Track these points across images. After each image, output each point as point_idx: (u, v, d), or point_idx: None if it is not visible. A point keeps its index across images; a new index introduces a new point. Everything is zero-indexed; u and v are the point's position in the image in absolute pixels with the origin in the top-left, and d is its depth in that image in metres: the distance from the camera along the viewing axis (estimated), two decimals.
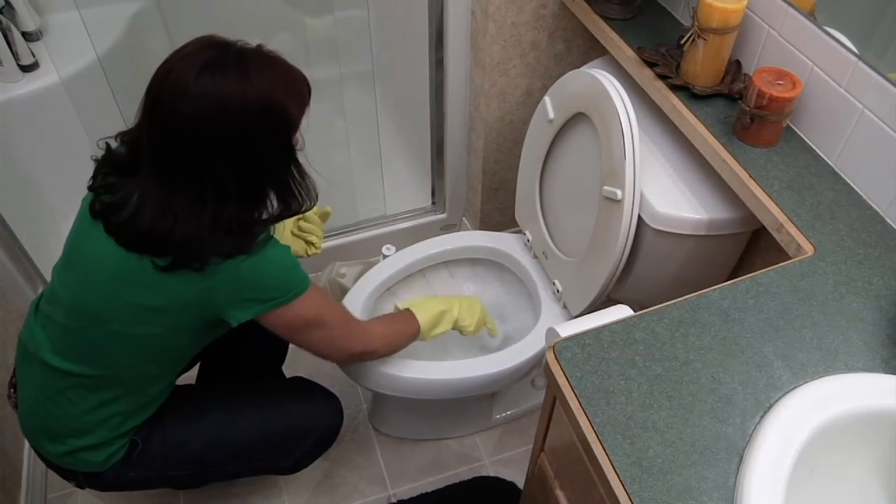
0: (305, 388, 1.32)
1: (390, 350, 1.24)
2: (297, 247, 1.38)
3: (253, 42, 0.97)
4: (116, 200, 0.96)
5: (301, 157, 1.02)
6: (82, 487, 1.20)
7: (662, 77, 1.20)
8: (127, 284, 0.98)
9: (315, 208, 1.41)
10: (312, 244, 1.40)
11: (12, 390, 1.18)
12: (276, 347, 1.45)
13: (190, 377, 1.41)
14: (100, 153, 1.02)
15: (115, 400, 1.09)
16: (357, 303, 1.43)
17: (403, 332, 1.25)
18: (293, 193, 1.02)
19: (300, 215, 1.39)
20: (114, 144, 1.03)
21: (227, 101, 0.89)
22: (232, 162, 0.93)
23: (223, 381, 1.42)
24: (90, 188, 1.02)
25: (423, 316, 1.27)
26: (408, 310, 1.27)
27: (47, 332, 1.07)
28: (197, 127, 0.90)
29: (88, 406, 1.08)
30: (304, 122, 1.00)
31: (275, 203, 1.02)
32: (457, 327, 1.32)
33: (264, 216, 1.01)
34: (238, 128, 0.91)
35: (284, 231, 1.37)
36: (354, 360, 1.25)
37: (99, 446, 1.11)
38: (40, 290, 1.56)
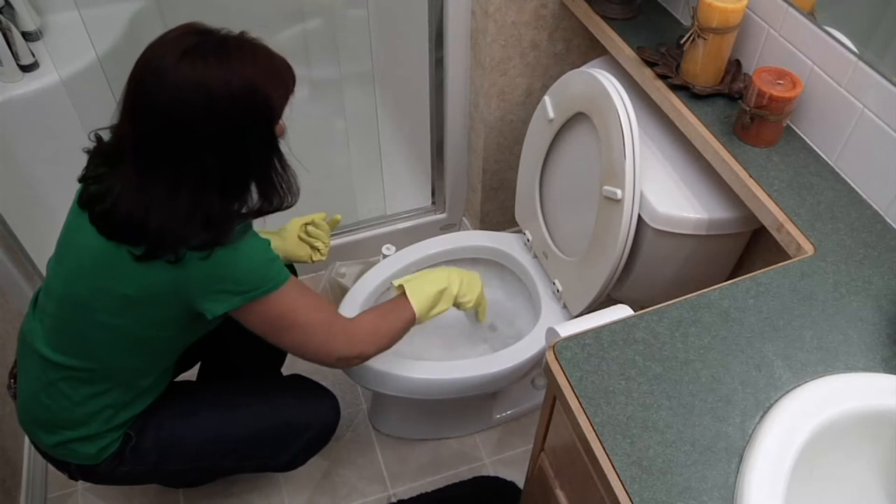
0: (302, 384, 1.32)
1: (383, 347, 1.18)
2: (302, 252, 1.37)
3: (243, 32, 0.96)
4: (101, 190, 0.96)
5: (284, 149, 1.00)
6: (75, 479, 1.20)
7: (662, 77, 1.20)
8: (106, 274, 0.98)
9: (323, 214, 1.41)
10: (318, 250, 1.38)
11: (12, 381, 1.19)
12: (276, 348, 1.45)
13: (190, 376, 1.41)
14: (92, 145, 1.02)
15: (106, 392, 1.09)
16: (357, 303, 1.43)
17: (395, 325, 1.18)
18: (274, 186, 1.01)
19: (309, 220, 1.37)
20: (108, 136, 1.02)
21: (207, 87, 0.88)
22: (211, 151, 0.91)
23: (220, 378, 1.42)
24: (79, 179, 1.02)
25: (418, 299, 1.20)
26: (401, 297, 1.21)
27: (43, 325, 1.08)
28: (176, 114, 0.88)
29: (80, 398, 1.08)
30: (287, 111, 0.98)
31: (255, 197, 1.00)
32: (456, 303, 1.27)
33: (244, 210, 1.00)
34: (218, 115, 0.90)
35: (291, 235, 1.36)
36: (343, 364, 1.16)
37: (91, 438, 1.11)
38: None
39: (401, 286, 1.23)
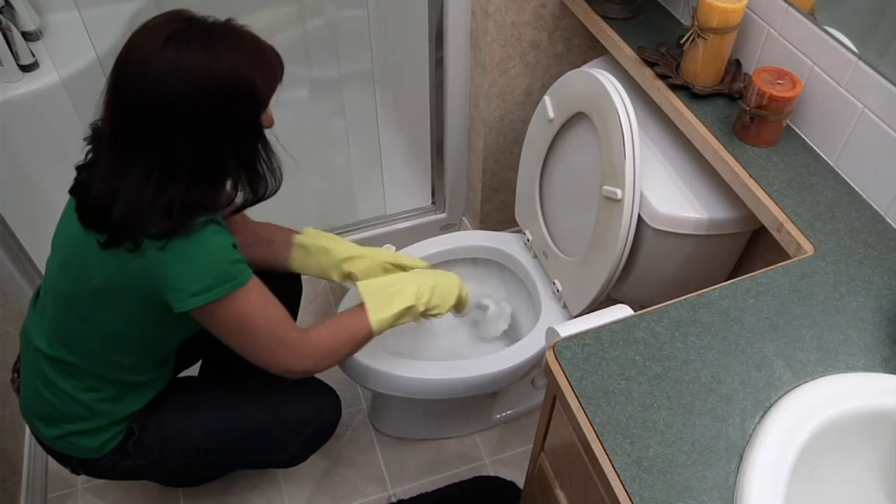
0: (303, 381, 1.31)
1: (332, 363, 1.14)
2: (338, 274, 1.30)
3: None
4: (87, 177, 0.96)
5: (270, 138, 0.99)
6: (77, 473, 1.20)
7: (662, 77, 1.20)
8: (81, 264, 0.97)
9: (423, 264, 1.32)
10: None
11: (16, 374, 1.19)
12: None
13: (192, 373, 1.41)
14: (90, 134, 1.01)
15: (99, 388, 1.09)
16: (357, 303, 1.43)
17: (349, 341, 1.14)
18: (260, 175, 0.99)
19: (401, 265, 1.29)
20: None
21: (191, 74, 0.87)
22: (192, 138, 0.90)
23: (222, 375, 1.42)
24: (76, 167, 1.01)
25: (379, 318, 1.14)
26: (361, 308, 1.15)
27: (42, 319, 1.08)
28: (157, 100, 0.87)
29: (74, 391, 1.08)
30: (274, 100, 0.97)
31: (229, 188, 0.99)
32: (425, 316, 1.21)
33: (219, 203, 0.98)
34: (200, 102, 0.88)
35: (371, 264, 1.28)
36: (288, 375, 1.10)
37: (92, 432, 1.12)
38: None
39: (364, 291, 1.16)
